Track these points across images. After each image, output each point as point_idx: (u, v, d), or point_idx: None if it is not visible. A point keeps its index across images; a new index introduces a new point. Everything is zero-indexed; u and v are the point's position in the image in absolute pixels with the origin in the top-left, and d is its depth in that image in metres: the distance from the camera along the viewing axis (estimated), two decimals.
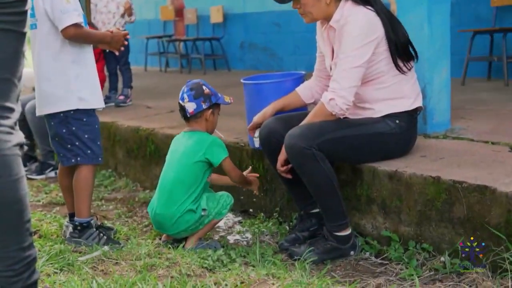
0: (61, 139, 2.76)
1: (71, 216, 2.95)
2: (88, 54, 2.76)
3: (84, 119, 2.76)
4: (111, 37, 2.84)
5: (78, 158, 2.77)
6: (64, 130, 2.74)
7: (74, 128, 2.74)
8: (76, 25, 2.63)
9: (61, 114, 2.73)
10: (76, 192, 2.83)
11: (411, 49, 2.68)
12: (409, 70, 2.65)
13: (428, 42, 3.10)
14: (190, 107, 2.81)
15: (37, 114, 2.85)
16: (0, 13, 1.71)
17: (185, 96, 2.82)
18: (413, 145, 2.81)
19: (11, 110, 1.77)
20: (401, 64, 2.61)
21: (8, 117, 1.75)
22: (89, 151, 2.78)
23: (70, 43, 2.68)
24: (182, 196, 2.75)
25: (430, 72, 3.14)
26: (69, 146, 2.76)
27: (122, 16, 5.78)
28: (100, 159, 2.85)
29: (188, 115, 2.83)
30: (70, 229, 2.85)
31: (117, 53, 3.05)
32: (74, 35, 2.65)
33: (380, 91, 2.64)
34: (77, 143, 2.75)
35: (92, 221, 2.85)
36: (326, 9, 2.64)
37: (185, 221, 2.75)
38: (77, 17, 2.63)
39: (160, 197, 2.81)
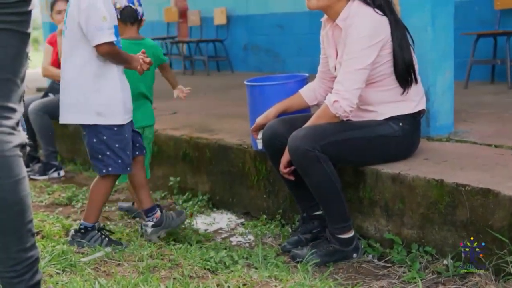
0: (92, 149, 2.74)
1: (146, 212, 2.92)
2: (112, 69, 2.72)
3: (115, 128, 2.73)
4: (137, 61, 2.82)
5: (110, 168, 2.74)
6: (94, 140, 2.71)
7: (105, 138, 2.70)
8: (110, 43, 2.63)
9: (92, 124, 2.71)
10: (92, 197, 2.82)
11: (412, 74, 2.64)
12: (404, 92, 2.63)
13: (431, 44, 3.10)
14: (141, 11, 3.03)
15: (60, 121, 2.82)
16: (1, 13, 1.70)
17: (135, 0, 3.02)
18: (416, 147, 2.81)
19: (13, 110, 1.77)
20: (398, 83, 2.61)
21: (9, 118, 1.75)
22: (119, 161, 2.75)
23: (96, 57, 2.67)
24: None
25: (433, 74, 3.14)
26: (99, 156, 2.73)
27: None
28: (129, 169, 2.81)
29: (139, 18, 3.06)
30: (72, 231, 2.85)
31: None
32: (107, 53, 2.65)
33: (384, 93, 2.64)
34: (108, 153, 2.72)
35: (95, 224, 2.85)
36: (334, 1, 2.62)
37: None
38: (111, 35, 2.63)
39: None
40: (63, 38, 2.77)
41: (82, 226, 2.81)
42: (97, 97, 2.67)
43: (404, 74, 2.60)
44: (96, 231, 2.82)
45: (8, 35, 1.73)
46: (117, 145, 2.72)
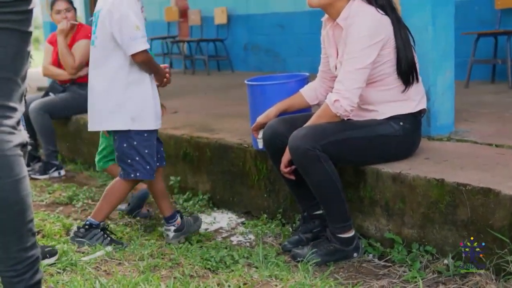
0: (122, 154, 2.78)
1: (168, 219, 2.96)
2: (145, 77, 2.78)
3: (145, 134, 2.78)
4: (164, 74, 2.91)
5: (138, 174, 2.79)
6: (125, 145, 2.76)
7: (135, 143, 2.75)
8: (145, 52, 2.70)
9: (125, 130, 2.75)
10: (107, 197, 2.85)
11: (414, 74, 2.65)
12: (405, 90, 2.63)
13: (432, 44, 3.10)
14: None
15: (89, 129, 2.87)
16: (1, 12, 1.70)
17: None
18: (417, 147, 2.81)
19: (14, 109, 1.76)
20: (401, 82, 2.62)
21: (10, 117, 1.75)
22: (148, 167, 2.79)
23: (129, 65, 2.73)
24: None
25: (434, 74, 3.14)
26: (129, 161, 2.77)
27: None
28: (154, 175, 2.86)
29: None
30: (75, 227, 2.86)
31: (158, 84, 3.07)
32: (142, 61, 2.72)
33: (384, 92, 2.64)
34: (137, 158, 2.76)
35: (101, 223, 2.87)
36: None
37: None
38: (145, 43, 2.70)
39: None
40: (91, 47, 2.82)
41: (87, 223, 2.83)
42: (130, 104, 2.74)
43: (407, 72, 2.60)
44: (99, 230, 2.83)
45: (8, 34, 1.73)
46: (146, 151, 2.78)
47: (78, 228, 2.84)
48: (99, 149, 3.46)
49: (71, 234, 2.85)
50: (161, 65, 2.90)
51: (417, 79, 2.66)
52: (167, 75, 2.90)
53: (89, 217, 2.87)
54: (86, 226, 2.82)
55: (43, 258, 2.38)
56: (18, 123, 1.79)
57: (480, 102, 4.37)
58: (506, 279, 2.20)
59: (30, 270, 1.77)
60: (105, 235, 2.83)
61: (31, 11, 1.78)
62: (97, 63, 2.78)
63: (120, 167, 2.85)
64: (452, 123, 3.30)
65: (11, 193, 1.71)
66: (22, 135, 1.80)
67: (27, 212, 1.75)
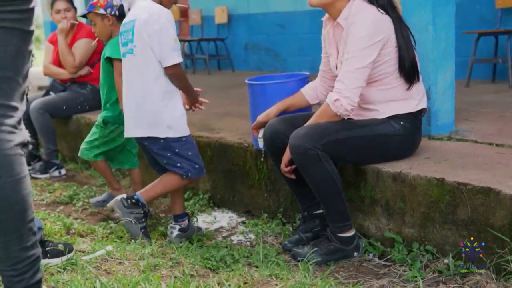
0: (170, 160, 2.88)
1: (176, 218, 3.05)
2: (176, 88, 2.86)
3: (184, 139, 2.88)
4: (197, 96, 3.03)
5: (189, 174, 2.90)
6: (168, 154, 2.85)
7: (177, 150, 2.85)
8: (178, 65, 2.80)
9: (161, 141, 2.83)
10: (160, 183, 2.96)
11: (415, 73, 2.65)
12: (409, 87, 2.64)
13: (432, 43, 3.10)
14: None
15: (126, 135, 2.96)
16: (1, 11, 1.69)
17: None
18: (417, 146, 2.81)
19: (14, 109, 1.76)
20: (403, 80, 2.62)
21: (11, 116, 1.74)
22: (196, 166, 2.91)
23: (164, 75, 2.80)
24: None
25: (434, 73, 3.14)
26: (178, 164, 2.87)
27: None
28: (204, 171, 2.98)
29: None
30: (124, 196, 2.96)
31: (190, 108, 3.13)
32: (175, 73, 2.81)
33: (385, 92, 2.64)
34: (184, 162, 2.86)
35: (148, 209, 2.97)
36: None
37: None
38: (180, 56, 2.80)
39: None
40: (129, 55, 2.85)
41: (136, 197, 2.93)
42: (166, 112, 2.81)
43: (410, 71, 2.60)
44: (142, 211, 2.92)
45: (9, 33, 1.72)
46: (189, 153, 2.88)
47: (127, 198, 2.92)
48: (90, 138, 3.55)
49: (117, 201, 2.93)
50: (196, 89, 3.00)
51: (418, 78, 2.67)
52: (200, 100, 3.03)
53: (137, 193, 2.97)
54: (133, 201, 2.91)
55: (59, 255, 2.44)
56: (19, 122, 1.78)
57: (480, 101, 4.37)
58: (507, 278, 2.20)
59: (31, 269, 1.77)
60: (143, 219, 2.93)
61: (32, 10, 1.77)
62: (135, 71, 2.84)
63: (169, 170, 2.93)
64: (453, 123, 3.30)
65: (11, 192, 1.71)
66: (23, 134, 1.80)
67: (27, 212, 1.75)
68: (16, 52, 1.75)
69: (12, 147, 1.72)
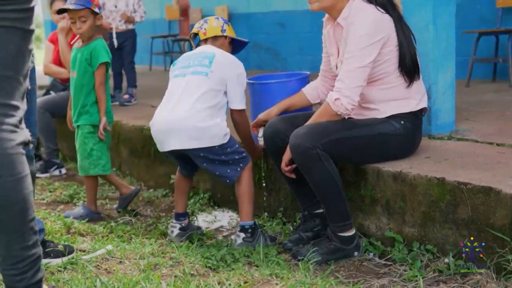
0: (222, 162, 2.88)
1: (178, 216, 3.07)
2: (224, 111, 2.94)
3: (230, 137, 2.91)
4: (258, 151, 3.13)
5: (241, 165, 2.92)
6: (223, 156, 2.87)
7: (229, 149, 2.88)
8: (244, 111, 2.96)
9: (216, 147, 2.84)
10: (243, 197, 2.92)
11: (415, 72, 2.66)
12: (410, 85, 2.64)
13: (433, 43, 3.10)
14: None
15: (180, 147, 2.87)
16: (1, 10, 1.69)
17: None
18: (417, 146, 2.81)
19: (15, 108, 1.76)
20: (404, 78, 2.62)
21: (12, 115, 1.74)
22: (244, 154, 2.94)
23: (223, 104, 2.91)
24: None
25: (435, 73, 3.14)
26: (230, 162, 2.89)
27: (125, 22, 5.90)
28: (249, 157, 2.99)
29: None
30: (242, 234, 2.87)
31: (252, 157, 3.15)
32: (240, 117, 2.96)
33: (385, 91, 2.64)
34: (236, 156, 2.90)
35: (255, 222, 2.94)
36: (337, 0, 2.61)
37: None
38: (244, 104, 2.95)
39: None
40: (202, 76, 2.87)
41: (247, 226, 2.88)
42: (214, 128, 2.82)
43: (411, 68, 2.61)
44: (259, 229, 2.92)
45: (9, 32, 1.72)
46: (236, 145, 2.93)
47: (245, 232, 2.86)
48: (85, 152, 3.48)
49: (239, 241, 2.85)
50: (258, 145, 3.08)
51: (419, 75, 2.67)
52: (258, 154, 3.14)
53: (243, 221, 2.90)
54: (250, 230, 2.87)
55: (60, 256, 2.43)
56: (20, 121, 1.78)
57: (481, 101, 4.37)
58: (507, 278, 2.20)
59: (32, 268, 1.77)
60: (263, 231, 2.94)
61: (32, 9, 1.77)
62: (196, 89, 2.84)
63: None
64: (453, 122, 3.30)
65: (12, 191, 1.71)
66: (25, 134, 1.80)
67: (29, 211, 1.75)
68: (16, 51, 1.75)
69: (14, 146, 1.72)
